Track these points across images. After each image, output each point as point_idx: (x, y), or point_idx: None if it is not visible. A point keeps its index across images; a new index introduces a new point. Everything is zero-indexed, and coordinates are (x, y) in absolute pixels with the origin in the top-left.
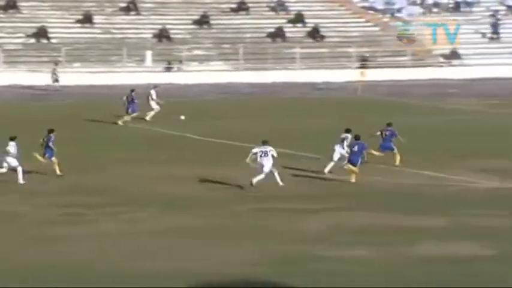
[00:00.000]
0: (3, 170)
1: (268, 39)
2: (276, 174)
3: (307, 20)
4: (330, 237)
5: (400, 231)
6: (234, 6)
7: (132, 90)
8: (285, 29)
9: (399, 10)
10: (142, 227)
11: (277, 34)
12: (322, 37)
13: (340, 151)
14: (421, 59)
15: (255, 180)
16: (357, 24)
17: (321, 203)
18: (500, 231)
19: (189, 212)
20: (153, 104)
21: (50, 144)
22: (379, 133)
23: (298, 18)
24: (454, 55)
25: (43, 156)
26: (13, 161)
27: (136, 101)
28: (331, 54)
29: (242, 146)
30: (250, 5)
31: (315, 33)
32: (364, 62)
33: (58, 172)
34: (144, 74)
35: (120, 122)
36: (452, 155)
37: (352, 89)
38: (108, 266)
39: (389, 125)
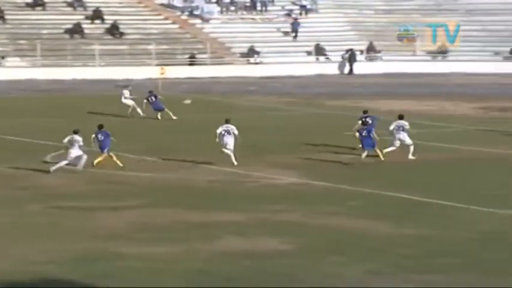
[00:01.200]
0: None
1: (66, 36)
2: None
3: (105, 17)
4: (129, 234)
5: (200, 228)
6: (30, 1)
7: (151, 91)
8: (83, 26)
9: (197, 8)
10: None
11: (75, 30)
12: (122, 34)
13: (399, 136)
14: (220, 57)
15: (234, 162)
16: (156, 21)
17: (118, 200)
18: (299, 226)
19: None
20: (128, 101)
21: (99, 138)
22: (360, 122)
23: (97, 15)
24: (252, 53)
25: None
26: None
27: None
28: (130, 51)
29: (39, 143)
30: (46, 0)
31: (113, 30)
32: (192, 59)
33: (94, 162)
34: None
35: (174, 117)
36: (251, 151)
37: (152, 85)
38: None
39: (365, 112)
